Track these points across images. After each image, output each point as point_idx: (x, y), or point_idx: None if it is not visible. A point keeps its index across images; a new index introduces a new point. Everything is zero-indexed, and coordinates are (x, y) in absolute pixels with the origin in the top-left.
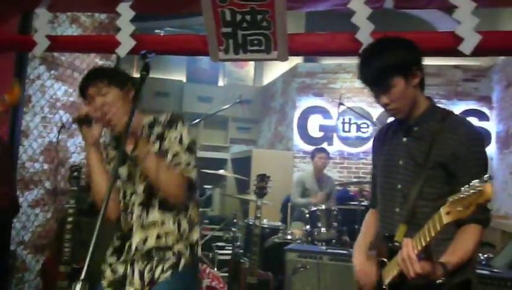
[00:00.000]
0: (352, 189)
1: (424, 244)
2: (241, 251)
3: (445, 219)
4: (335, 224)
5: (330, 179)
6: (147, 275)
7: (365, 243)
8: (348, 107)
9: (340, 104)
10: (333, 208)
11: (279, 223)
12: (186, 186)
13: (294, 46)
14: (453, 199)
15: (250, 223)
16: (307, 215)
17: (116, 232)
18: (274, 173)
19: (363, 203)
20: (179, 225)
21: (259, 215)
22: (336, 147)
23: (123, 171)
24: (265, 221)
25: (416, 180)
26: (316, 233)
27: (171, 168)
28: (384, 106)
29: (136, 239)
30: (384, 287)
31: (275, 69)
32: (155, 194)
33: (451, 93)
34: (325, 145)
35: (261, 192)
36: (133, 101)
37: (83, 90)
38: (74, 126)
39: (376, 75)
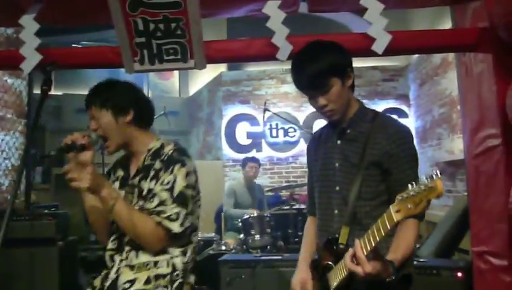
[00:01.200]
0: (284, 193)
1: (373, 244)
2: None
3: (396, 217)
4: (268, 230)
5: (259, 186)
6: None
7: (308, 253)
8: (273, 113)
9: (266, 110)
10: (265, 214)
11: (213, 235)
12: (163, 238)
13: (211, 54)
14: (402, 196)
15: None
16: (240, 225)
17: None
18: (205, 184)
19: (294, 207)
20: (174, 271)
21: None
22: (265, 153)
23: (122, 195)
24: (199, 233)
25: (353, 181)
26: (250, 241)
27: (145, 219)
28: (322, 107)
29: (123, 278)
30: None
31: (200, 79)
32: None
33: (371, 93)
34: (253, 152)
35: None
36: (130, 123)
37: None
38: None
39: (313, 78)
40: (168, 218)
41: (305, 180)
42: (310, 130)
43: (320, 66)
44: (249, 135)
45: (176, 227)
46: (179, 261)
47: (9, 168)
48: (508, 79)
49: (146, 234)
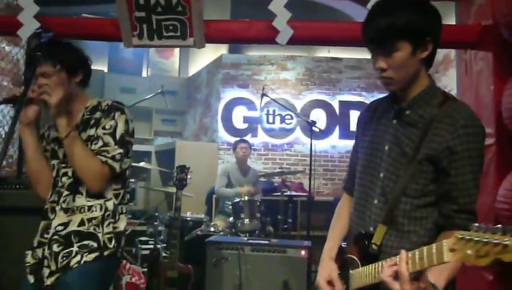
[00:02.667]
0: (276, 180)
1: (417, 268)
2: (164, 245)
3: (447, 257)
4: (258, 215)
5: (254, 170)
6: (61, 259)
7: (337, 243)
8: (271, 99)
9: (264, 95)
10: (256, 199)
11: (203, 216)
12: (106, 177)
13: (210, 33)
14: (463, 235)
15: (172, 216)
16: (230, 207)
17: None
18: (198, 165)
19: (286, 194)
20: (106, 212)
21: (179, 206)
22: (260, 139)
23: (60, 151)
24: (188, 214)
25: (400, 172)
26: (239, 224)
27: (93, 155)
28: (380, 71)
29: (55, 222)
30: None
31: (201, 60)
32: None
33: (371, 86)
34: (249, 137)
35: (180, 184)
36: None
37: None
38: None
39: (380, 32)
40: (113, 158)
41: (299, 168)
42: (307, 118)
43: (391, 21)
44: (246, 120)
45: (118, 167)
46: (110, 203)
47: (3, 136)
48: (506, 79)
49: (92, 169)
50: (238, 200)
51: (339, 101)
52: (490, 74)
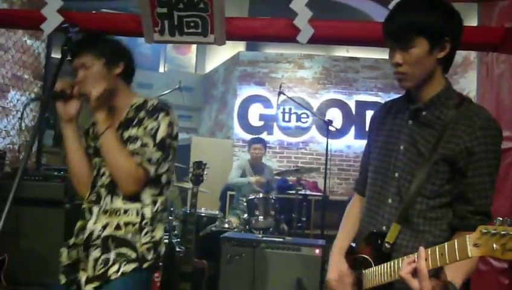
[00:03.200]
0: (291, 178)
1: (438, 264)
2: (178, 240)
3: (472, 252)
4: (272, 213)
5: (268, 168)
6: (99, 266)
7: (347, 241)
8: (288, 97)
9: (281, 93)
10: (271, 197)
11: (217, 212)
12: (140, 179)
13: (231, 30)
14: (487, 230)
15: (187, 211)
16: (245, 204)
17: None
18: (213, 161)
19: (300, 193)
20: (143, 219)
21: (194, 202)
22: (275, 137)
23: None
24: (203, 210)
25: (416, 172)
26: (253, 221)
27: (127, 155)
28: (396, 66)
29: (98, 225)
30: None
31: (218, 57)
32: None
33: (388, 86)
34: (264, 134)
35: (197, 179)
36: (118, 76)
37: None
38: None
39: (399, 27)
40: (149, 160)
41: (314, 167)
42: (323, 117)
43: (410, 17)
44: (262, 117)
45: (153, 170)
46: (148, 210)
47: (23, 128)
48: None
49: (125, 169)
50: (252, 197)
51: (356, 100)
52: (511, 77)
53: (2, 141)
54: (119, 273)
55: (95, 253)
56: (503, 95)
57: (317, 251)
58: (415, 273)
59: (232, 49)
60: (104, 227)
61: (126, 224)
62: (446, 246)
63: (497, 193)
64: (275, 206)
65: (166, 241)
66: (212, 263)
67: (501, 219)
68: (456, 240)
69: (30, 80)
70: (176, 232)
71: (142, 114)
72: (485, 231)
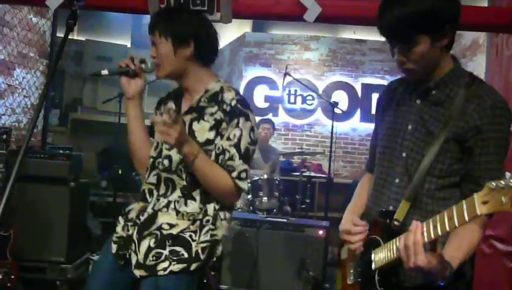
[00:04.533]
0: (296, 160)
1: (439, 233)
2: None
3: (481, 210)
4: (276, 194)
5: (275, 150)
6: (151, 257)
7: (358, 208)
8: (294, 79)
9: (286, 74)
10: (275, 178)
11: None
12: (237, 193)
13: (238, 9)
14: (494, 185)
15: None
16: (249, 185)
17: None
18: None
19: (305, 174)
20: (205, 217)
21: None
22: (281, 119)
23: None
24: None
25: (425, 151)
26: (257, 202)
27: (221, 174)
28: (400, 63)
29: (161, 219)
30: (374, 270)
31: (223, 38)
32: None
33: (394, 69)
34: (270, 116)
35: None
36: (189, 57)
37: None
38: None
39: (397, 26)
40: (239, 177)
41: (318, 149)
42: (329, 99)
43: (405, 13)
44: (267, 99)
45: (245, 186)
46: (211, 207)
47: (29, 106)
48: None
49: (224, 190)
50: (257, 178)
51: (362, 83)
52: None
53: (8, 119)
54: (167, 271)
55: (150, 242)
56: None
57: (320, 232)
58: (410, 246)
59: (238, 30)
60: (171, 226)
61: (193, 222)
62: (454, 209)
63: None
64: (279, 187)
65: None
66: None
67: (509, 173)
68: (464, 201)
69: (36, 58)
70: None
71: (218, 114)
72: (493, 186)
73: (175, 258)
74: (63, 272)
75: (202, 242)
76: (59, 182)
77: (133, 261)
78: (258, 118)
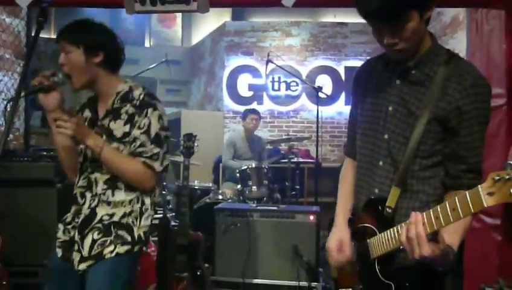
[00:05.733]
0: (283, 147)
1: (443, 224)
2: (173, 214)
3: (487, 201)
4: (266, 182)
5: (261, 139)
6: (96, 247)
7: (347, 211)
8: (277, 66)
9: (269, 62)
10: (263, 166)
11: (211, 184)
12: (151, 176)
13: None
14: (499, 176)
15: (180, 185)
16: (238, 175)
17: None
18: (204, 134)
19: (293, 161)
20: (143, 205)
21: (187, 175)
22: (266, 106)
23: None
24: (196, 182)
25: (407, 133)
26: (247, 192)
27: (130, 159)
28: (390, 45)
29: (100, 213)
30: (372, 259)
31: (203, 28)
32: None
33: (377, 51)
34: (255, 104)
35: (188, 152)
36: (99, 65)
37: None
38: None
39: (387, 5)
40: (150, 158)
41: (305, 135)
42: (313, 84)
43: None
44: (251, 87)
45: (157, 166)
46: (147, 198)
47: (8, 109)
48: None
49: (135, 175)
50: (245, 167)
51: (345, 66)
52: (502, 33)
53: None
54: (114, 253)
55: (94, 235)
56: (493, 52)
57: (311, 217)
58: (413, 238)
59: (217, 19)
60: (110, 215)
61: (131, 212)
62: (457, 200)
63: (488, 150)
64: (268, 175)
65: (160, 215)
66: (208, 235)
67: (510, 162)
68: (467, 193)
69: (12, 59)
70: (170, 206)
71: (130, 109)
72: (498, 177)
73: (119, 241)
74: None
75: (143, 226)
76: (45, 184)
77: (77, 259)
78: (243, 108)
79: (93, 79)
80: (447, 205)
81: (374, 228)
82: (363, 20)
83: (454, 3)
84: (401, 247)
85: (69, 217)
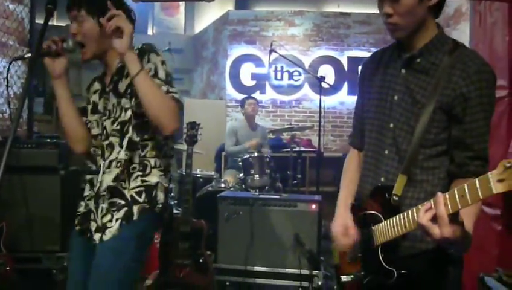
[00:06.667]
0: (285, 136)
1: (459, 206)
2: (175, 202)
3: (496, 188)
4: (268, 171)
5: (262, 127)
6: (100, 215)
7: (350, 197)
8: (280, 55)
9: (272, 51)
10: (266, 155)
11: (213, 173)
12: (177, 112)
13: None
14: (510, 164)
15: (183, 173)
16: (240, 164)
17: (88, 166)
18: (207, 123)
19: (295, 150)
20: (131, 164)
21: (190, 163)
22: (268, 96)
23: (101, 104)
24: (198, 171)
25: (412, 122)
26: (249, 181)
27: (163, 92)
28: (386, 16)
29: (106, 177)
30: (376, 246)
31: (207, 17)
32: (127, 131)
33: (380, 41)
34: (257, 94)
35: (191, 140)
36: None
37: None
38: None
39: None
40: (171, 92)
41: (307, 125)
42: (316, 73)
43: None
44: (254, 76)
45: (178, 97)
46: (136, 155)
47: (12, 96)
48: None
49: (167, 105)
50: (247, 156)
51: (348, 56)
52: (505, 25)
53: None
54: (113, 221)
55: (104, 205)
56: (496, 44)
57: (313, 206)
58: (434, 220)
59: (221, 8)
60: (105, 178)
61: (121, 173)
62: (466, 187)
63: (490, 141)
64: (270, 164)
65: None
66: (210, 223)
67: None
68: (476, 180)
69: (15, 46)
70: (172, 194)
71: None
72: (509, 164)
73: (114, 208)
74: (59, 261)
75: (134, 187)
76: (49, 171)
77: (93, 228)
78: (243, 96)
79: (105, 50)
80: (456, 191)
81: (379, 215)
82: (366, 10)
83: None
84: (405, 233)
85: (87, 190)
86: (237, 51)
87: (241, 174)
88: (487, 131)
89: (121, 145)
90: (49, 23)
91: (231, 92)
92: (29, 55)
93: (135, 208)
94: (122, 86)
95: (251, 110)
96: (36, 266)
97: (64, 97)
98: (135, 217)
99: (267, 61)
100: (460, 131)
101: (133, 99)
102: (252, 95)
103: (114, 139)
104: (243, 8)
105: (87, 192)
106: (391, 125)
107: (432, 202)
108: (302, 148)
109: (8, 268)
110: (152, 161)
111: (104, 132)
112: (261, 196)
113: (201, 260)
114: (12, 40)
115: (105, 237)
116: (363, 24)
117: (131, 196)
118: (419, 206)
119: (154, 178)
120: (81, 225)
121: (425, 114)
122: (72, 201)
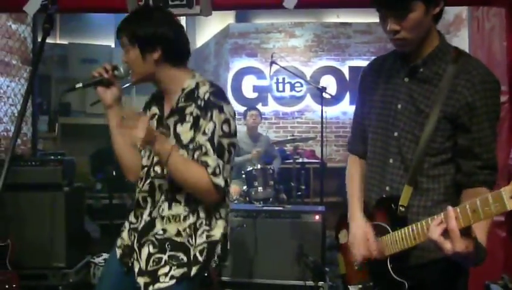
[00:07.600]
0: (288, 148)
1: (472, 222)
2: None
3: (510, 205)
4: (271, 183)
5: (265, 137)
6: (151, 262)
7: (361, 204)
8: (281, 67)
9: (273, 63)
10: (269, 167)
11: None
12: (214, 191)
13: (217, 0)
14: None
15: None
16: (243, 176)
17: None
18: None
19: (298, 161)
20: (198, 219)
21: None
22: (270, 108)
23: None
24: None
25: (416, 130)
26: (253, 193)
27: (199, 168)
28: (393, 33)
29: (158, 225)
30: (385, 257)
31: (208, 31)
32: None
33: (381, 50)
34: (259, 106)
35: None
36: (159, 60)
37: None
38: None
39: None
40: (214, 173)
41: (310, 136)
42: (317, 84)
43: None
44: (255, 89)
45: (221, 182)
46: (202, 208)
47: (16, 115)
48: None
49: (200, 186)
50: (251, 168)
51: (349, 66)
52: (503, 30)
53: None
54: (168, 276)
55: (150, 248)
56: (494, 49)
57: (317, 217)
58: (445, 234)
59: (221, 21)
60: (164, 231)
61: (184, 229)
62: (478, 202)
63: None
64: (274, 176)
65: None
66: None
67: None
68: (489, 195)
69: (18, 65)
70: None
71: (195, 111)
72: None
73: (175, 262)
74: (65, 277)
75: (199, 245)
76: (53, 188)
77: (136, 269)
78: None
79: (153, 76)
80: (468, 206)
81: (386, 226)
82: (366, 20)
83: (456, 1)
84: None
85: (132, 217)
86: (238, 63)
87: (245, 187)
88: (494, 139)
89: (184, 201)
90: (52, 41)
91: (233, 104)
92: (80, 85)
93: (194, 269)
94: (184, 134)
95: (252, 121)
96: (42, 283)
97: (115, 126)
98: (190, 277)
99: (269, 73)
100: (468, 140)
101: (196, 153)
102: (253, 106)
103: (174, 194)
104: (244, 21)
105: (132, 219)
106: (395, 134)
107: (443, 216)
108: (306, 159)
109: (14, 285)
110: (217, 213)
111: (156, 168)
112: (264, 208)
113: (205, 274)
114: (15, 60)
115: (151, 289)
116: (363, 34)
117: (194, 256)
118: (429, 220)
119: (218, 231)
120: (123, 255)
121: (430, 123)
122: (77, 217)
